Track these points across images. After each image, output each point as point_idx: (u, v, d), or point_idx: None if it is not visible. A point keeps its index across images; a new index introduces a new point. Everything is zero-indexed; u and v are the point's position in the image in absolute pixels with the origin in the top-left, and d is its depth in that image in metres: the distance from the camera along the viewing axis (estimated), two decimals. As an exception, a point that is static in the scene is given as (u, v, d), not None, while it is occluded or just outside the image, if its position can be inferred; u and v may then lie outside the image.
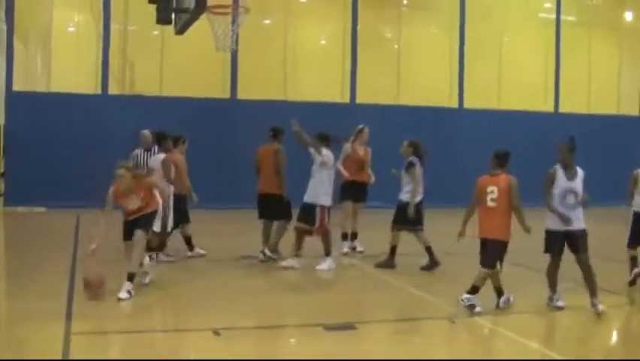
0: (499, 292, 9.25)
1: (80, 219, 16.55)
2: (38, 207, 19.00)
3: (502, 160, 9.14)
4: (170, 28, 16.24)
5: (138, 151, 13.22)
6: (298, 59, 22.49)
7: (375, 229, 13.76)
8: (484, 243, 9.09)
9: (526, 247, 9.83)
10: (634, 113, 25.28)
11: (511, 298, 9.32)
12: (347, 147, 13.23)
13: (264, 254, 12.23)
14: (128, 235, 9.66)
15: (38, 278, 10.57)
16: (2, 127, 21.47)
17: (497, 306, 9.18)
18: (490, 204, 8.99)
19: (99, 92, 20.18)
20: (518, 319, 9.10)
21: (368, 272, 11.89)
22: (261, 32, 21.40)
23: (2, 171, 21.98)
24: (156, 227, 10.81)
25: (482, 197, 9.10)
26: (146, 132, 13.32)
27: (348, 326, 8.38)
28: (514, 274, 10.47)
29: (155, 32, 20.58)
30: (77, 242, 13.91)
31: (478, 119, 22.72)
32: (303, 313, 9.38)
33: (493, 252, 8.99)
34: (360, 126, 13.51)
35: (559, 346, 8.20)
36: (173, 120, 17.15)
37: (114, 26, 20.41)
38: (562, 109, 24.23)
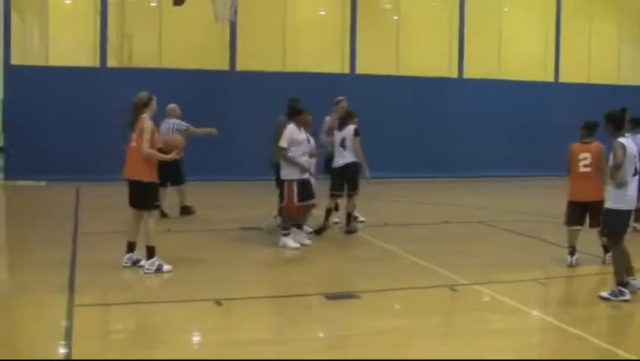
0: (607, 250, 9.79)
1: (80, 191, 16.55)
2: (38, 181, 18.97)
3: (592, 130, 9.86)
4: (168, 0, 16.20)
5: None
6: (297, 29, 22.34)
7: (376, 199, 13.74)
8: (579, 205, 9.83)
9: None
10: (634, 83, 25.17)
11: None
12: (328, 119, 13.05)
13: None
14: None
15: (40, 251, 10.57)
16: (1, 101, 21.39)
17: (603, 262, 9.90)
18: (582, 169, 9.73)
19: (98, 65, 20.11)
20: (519, 287, 9.12)
21: (370, 242, 11.87)
22: (260, 3, 21.26)
23: (1, 145, 21.93)
24: None
25: (574, 163, 9.81)
26: (174, 106, 13.90)
27: (351, 295, 8.41)
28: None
29: (153, 4, 20.51)
30: (78, 214, 13.93)
31: (477, 88, 22.68)
32: (304, 283, 9.43)
33: (596, 212, 9.45)
34: (339, 98, 13.15)
35: (558, 314, 8.19)
36: (172, 92, 17.09)
37: (111, -1, 20.33)
38: (562, 79, 24.18)
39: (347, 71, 22.01)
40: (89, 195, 16.53)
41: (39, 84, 19.26)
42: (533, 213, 10.15)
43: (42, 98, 19.19)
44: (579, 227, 9.95)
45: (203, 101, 19.45)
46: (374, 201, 13.92)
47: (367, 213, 13.37)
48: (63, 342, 6.53)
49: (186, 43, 20.48)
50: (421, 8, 23.93)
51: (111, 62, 20.39)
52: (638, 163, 8.32)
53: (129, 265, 9.43)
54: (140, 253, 9.46)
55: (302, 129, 11.14)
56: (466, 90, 22.69)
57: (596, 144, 9.76)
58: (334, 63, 22.19)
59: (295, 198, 10.97)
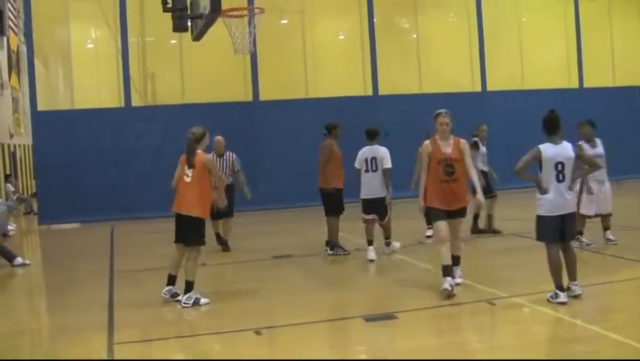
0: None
1: (114, 230, 16.65)
2: (72, 223, 19.16)
3: None
4: (187, 36, 16.34)
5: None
6: (317, 56, 22.47)
7: (409, 217, 13.62)
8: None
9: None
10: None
11: None
12: (426, 143, 10.07)
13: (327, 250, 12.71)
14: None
15: (78, 291, 10.66)
16: (32, 148, 21.69)
17: None
18: None
19: (122, 105, 20.32)
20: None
21: (404, 261, 11.80)
22: (279, 32, 21.41)
23: (34, 190, 22.22)
24: None
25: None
26: (220, 138, 13.50)
27: (390, 316, 8.35)
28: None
29: (173, 41, 20.71)
30: (113, 253, 14.01)
31: (503, 100, 22.55)
32: (341, 306, 9.39)
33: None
34: (438, 111, 10.27)
35: (600, 322, 8.07)
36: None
37: (132, 39, 20.57)
38: (587, 84, 24.01)
39: (370, 93, 22.02)
40: (123, 234, 16.64)
41: (67, 128, 19.49)
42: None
43: (71, 141, 19.42)
44: None
45: (230, 134, 19.52)
46: (408, 219, 13.82)
47: (401, 233, 13.21)
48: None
49: (208, 78, 20.64)
50: (439, 24, 23.97)
51: (135, 101, 20.60)
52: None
53: (167, 296, 9.45)
54: (178, 287, 9.49)
55: None
56: (492, 103, 22.56)
57: None
58: (357, 86, 22.22)
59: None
